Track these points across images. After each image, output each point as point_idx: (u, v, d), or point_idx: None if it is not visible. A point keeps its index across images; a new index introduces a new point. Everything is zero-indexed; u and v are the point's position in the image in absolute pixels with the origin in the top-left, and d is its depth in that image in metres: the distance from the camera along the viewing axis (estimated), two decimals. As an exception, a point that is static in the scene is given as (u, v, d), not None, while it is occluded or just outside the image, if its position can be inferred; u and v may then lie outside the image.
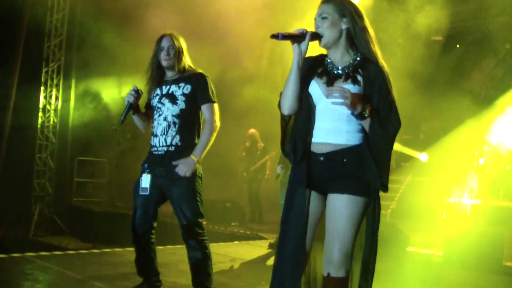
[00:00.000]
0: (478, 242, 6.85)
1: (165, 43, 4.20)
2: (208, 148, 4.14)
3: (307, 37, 2.93)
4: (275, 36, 2.86)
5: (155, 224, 4.23)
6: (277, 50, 11.83)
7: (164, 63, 4.21)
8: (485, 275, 6.40)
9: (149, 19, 11.74)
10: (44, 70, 14.41)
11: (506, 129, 12.10)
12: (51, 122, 14.55)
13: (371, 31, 3.06)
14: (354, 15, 3.01)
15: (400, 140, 14.25)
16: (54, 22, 14.42)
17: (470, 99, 14.47)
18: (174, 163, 4.03)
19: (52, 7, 14.40)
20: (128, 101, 4.03)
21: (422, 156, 13.83)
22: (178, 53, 4.22)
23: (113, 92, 15.08)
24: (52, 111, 14.53)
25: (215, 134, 4.15)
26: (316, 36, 2.97)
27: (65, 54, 14.55)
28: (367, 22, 3.05)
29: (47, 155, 14.44)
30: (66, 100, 14.95)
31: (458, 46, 14.33)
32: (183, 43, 4.27)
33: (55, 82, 14.57)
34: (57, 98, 14.65)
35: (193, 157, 4.04)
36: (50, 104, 14.51)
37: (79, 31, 14.28)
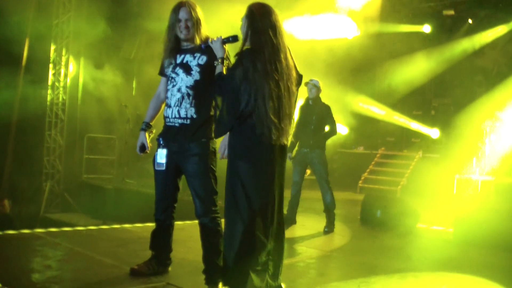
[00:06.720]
0: (489, 219, 6.81)
1: (182, 15, 4.04)
2: None
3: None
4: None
5: (177, 197, 4.23)
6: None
7: (182, 36, 4.08)
8: (495, 252, 6.35)
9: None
10: (52, 47, 14.32)
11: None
12: (60, 99, 14.50)
13: None
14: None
15: (411, 116, 14.17)
16: (62, -1, 14.30)
17: (482, 75, 14.32)
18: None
19: (59, -17, 14.26)
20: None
21: (432, 132, 13.73)
22: (197, 25, 4.07)
23: (123, 69, 15.02)
24: (61, 88, 14.47)
25: None
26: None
27: (73, 31, 14.42)
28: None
29: (57, 132, 14.43)
30: (75, 77, 14.91)
31: (470, 21, 14.12)
32: (199, 12, 4.10)
33: (63, 59, 14.49)
34: (66, 75, 14.59)
35: None
36: (59, 81, 14.44)
37: (88, 7, 14.13)
